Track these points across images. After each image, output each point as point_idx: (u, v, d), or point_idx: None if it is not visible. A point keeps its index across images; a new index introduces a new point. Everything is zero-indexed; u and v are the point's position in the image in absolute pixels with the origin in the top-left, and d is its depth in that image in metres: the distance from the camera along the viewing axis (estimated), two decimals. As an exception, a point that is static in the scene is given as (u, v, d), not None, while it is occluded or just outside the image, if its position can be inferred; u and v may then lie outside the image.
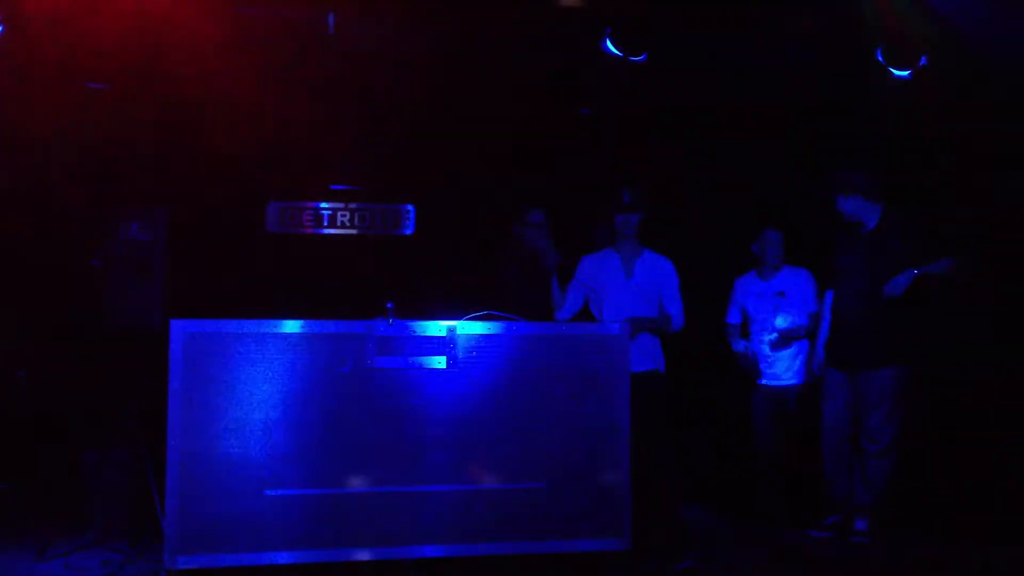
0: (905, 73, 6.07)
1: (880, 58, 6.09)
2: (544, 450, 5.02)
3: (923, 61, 6.01)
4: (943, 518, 5.78)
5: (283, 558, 4.76)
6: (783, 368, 6.37)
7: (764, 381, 6.39)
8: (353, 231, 7.77)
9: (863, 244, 5.89)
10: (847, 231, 5.99)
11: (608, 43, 6.16)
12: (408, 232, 7.84)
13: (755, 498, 6.39)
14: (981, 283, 5.94)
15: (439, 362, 4.99)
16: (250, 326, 4.85)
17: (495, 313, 5.20)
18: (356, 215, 7.80)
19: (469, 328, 5.05)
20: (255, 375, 4.82)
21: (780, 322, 6.26)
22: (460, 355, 5.00)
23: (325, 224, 7.74)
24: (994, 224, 6.00)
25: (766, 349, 6.36)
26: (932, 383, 6.06)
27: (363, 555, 4.85)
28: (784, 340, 6.27)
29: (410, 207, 7.83)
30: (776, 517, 6.14)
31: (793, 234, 6.45)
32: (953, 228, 5.94)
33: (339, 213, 7.78)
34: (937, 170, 6.23)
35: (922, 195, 6.15)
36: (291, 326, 4.88)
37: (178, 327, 4.76)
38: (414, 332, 5.00)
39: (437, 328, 5.01)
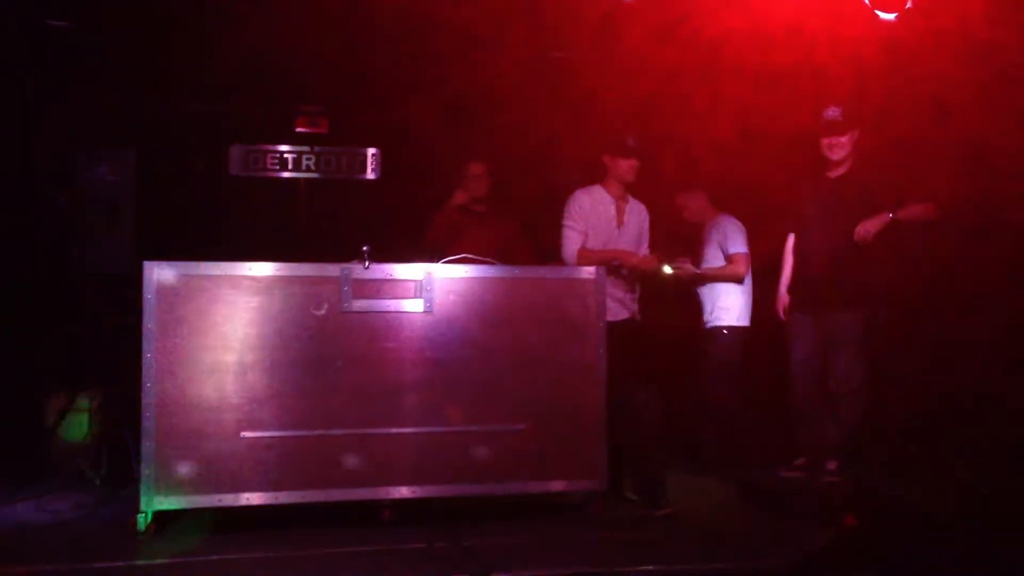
0: (891, 16, 6.04)
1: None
2: (521, 393, 5.05)
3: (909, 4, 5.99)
4: (910, 457, 5.90)
5: (259, 499, 4.76)
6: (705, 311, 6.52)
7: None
8: (317, 175, 7.70)
9: (831, 188, 5.91)
10: (812, 176, 6.01)
11: None
12: (372, 176, 7.78)
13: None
14: (949, 228, 6.01)
15: (416, 305, 4.97)
16: (223, 268, 4.81)
17: (471, 257, 5.19)
18: (320, 159, 7.72)
19: (446, 272, 5.04)
20: (230, 317, 4.78)
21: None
22: (437, 299, 4.99)
23: (289, 167, 7.66)
24: (965, 173, 6.06)
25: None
26: (898, 325, 6.14)
27: (340, 496, 4.86)
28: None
29: (374, 151, 7.76)
30: (720, 462, 6.30)
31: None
32: (922, 176, 5.98)
33: (303, 156, 7.70)
34: (911, 116, 6.26)
35: (895, 142, 6.18)
36: (266, 268, 4.84)
37: (152, 269, 4.70)
38: (391, 276, 4.98)
39: (414, 272, 5.00)
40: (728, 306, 6.44)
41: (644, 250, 5.76)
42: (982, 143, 5.98)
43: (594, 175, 5.73)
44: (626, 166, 5.58)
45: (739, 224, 6.52)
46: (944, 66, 6.05)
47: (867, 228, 5.63)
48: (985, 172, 6.02)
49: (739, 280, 6.40)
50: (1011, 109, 5.90)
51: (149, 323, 4.67)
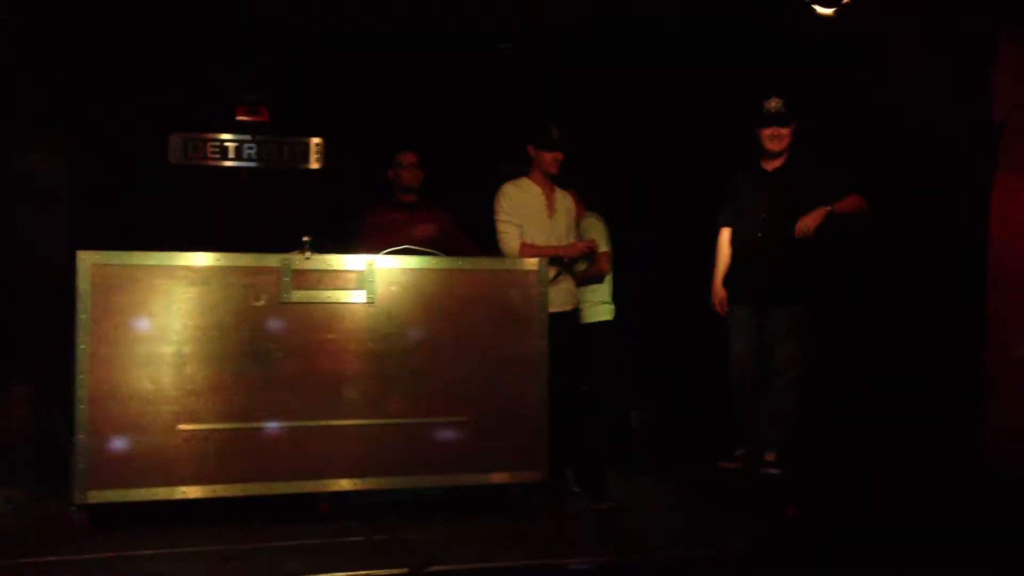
0: (829, 10, 6.09)
1: None
2: (463, 385, 5.03)
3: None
4: (848, 450, 5.97)
5: (196, 492, 4.70)
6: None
7: None
8: (259, 164, 7.59)
9: (768, 181, 5.95)
10: (747, 168, 6.04)
11: None
12: (315, 166, 7.69)
13: None
14: (885, 222, 6.09)
15: (357, 297, 4.93)
16: (159, 258, 4.74)
17: (413, 248, 5.16)
18: (262, 148, 7.62)
19: (388, 263, 5.00)
20: (167, 308, 4.71)
21: None
22: (379, 290, 4.95)
23: (230, 156, 7.55)
24: (903, 166, 6.14)
25: None
26: (836, 319, 6.21)
27: (278, 489, 4.81)
28: None
29: (318, 140, 7.68)
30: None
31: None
32: (858, 170, 6.05)
33: (244, 145, 7.59)
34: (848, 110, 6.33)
35: (832, 136, 6.24)
36: (203, 259, 4.77)
37: (85, 259, 4.61)
38: (332, 266, 4.93)
39: (356, 262, 4.95)
40: (607, 300, 6.34)
41: (573, 239, 5.75)
42: (915, 135, 6.07)
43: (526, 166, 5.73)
44: (550, 158, 5.54)
45: (603, 223, 6.43)
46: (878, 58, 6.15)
47: (807, 223, 5.67)
48: (919, 163, 6.11)
49: (602, 278, 6.23)
50: (944, 100, 6.01)
51: (82, 314, 4.58)
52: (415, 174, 6.12)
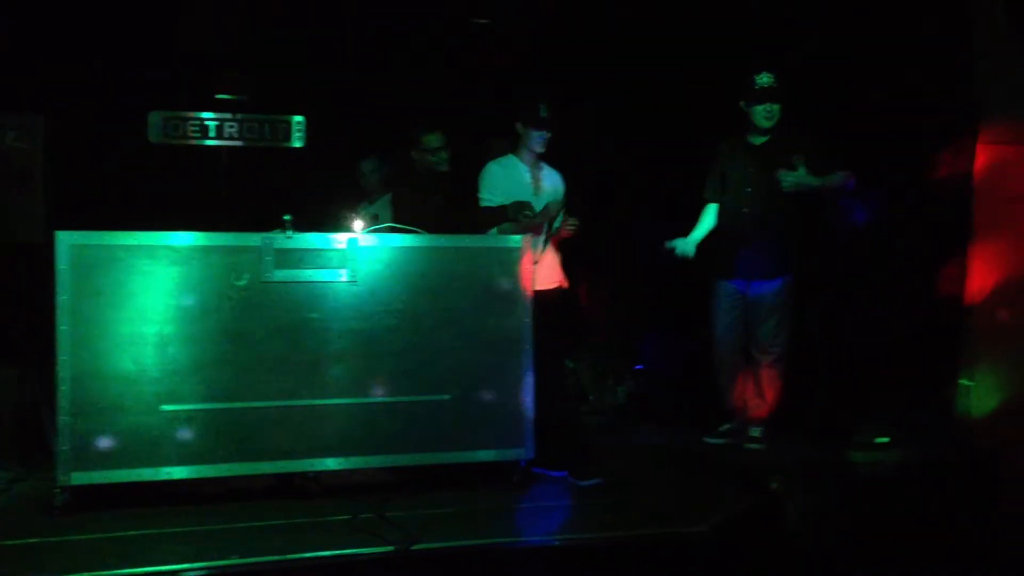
0: None
1: None
2: (447, 362, 5.01)
3: None
4: (832, 423, 5.99)
5: (180, 473, 4.68)
6: None
7: None
8: (240, 143, 7.52)
9: (755, 155, 5.93)
10: (734, 143, 6.03)
11: None
12: (297, 144, 7.63)
13: None
14: (867, 196, 6.09)
15: (340, 275, 4.90)
16: (141, 238, 4.69)
17: (396, 226, 5.12)
18: (244, 126, 7.55)
19: (371, 241, 4.97)
20: (148, 289, 4.66)
21: None
22: (361, 268, 4.92)
23: (211, 135, 7.47)
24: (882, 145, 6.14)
25: None
26: (817, 293, 6.22)
27: (263, 469, 4.80)
28: None
29: (300, 118, 7.61)
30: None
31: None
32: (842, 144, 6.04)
33: (225, 124, 7.51)
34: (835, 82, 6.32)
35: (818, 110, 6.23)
36: (184, 238, 4.73)
37: (64, 239, 4.56)
38: (314, 245, 4.89)
39: (338, 241, 4.92)
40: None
41: (562, 215, 5.73)
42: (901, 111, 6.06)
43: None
44: (537, 136, 5.52)
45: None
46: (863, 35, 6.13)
47: (789, 181, 5.65)
48: (904, 139, 6.10)
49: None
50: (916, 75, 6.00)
51: (63, 295, 4.54)
52: (440, 158, 6.04)
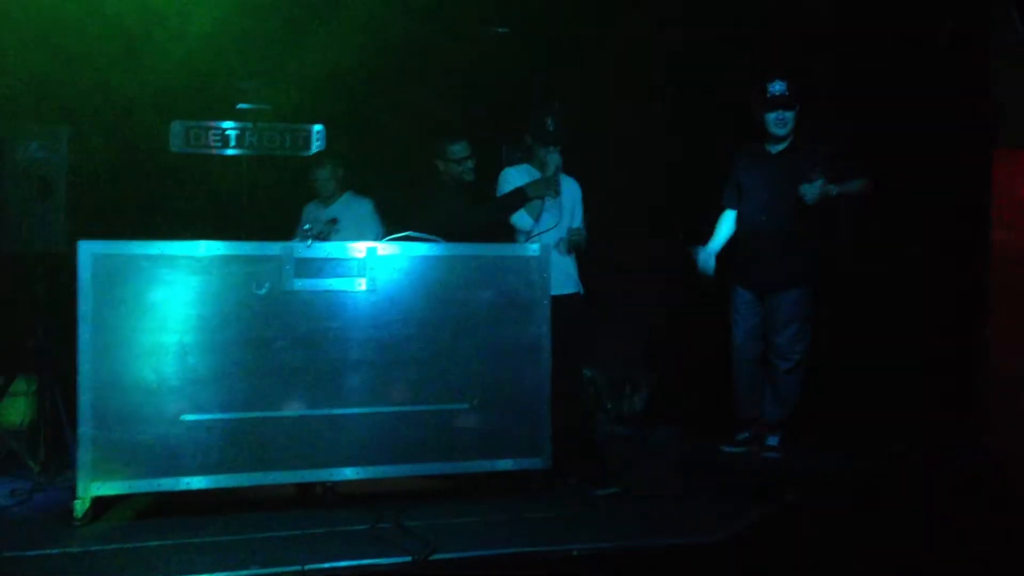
0: None
1: None
2: (465, 371, 5.01)
3: None
4: (851, 432, 5.98)
5: (200, 483, 4.69)
6: None
7: None
8: (260, 152, 7.57)
9: (772, 164, 5.93)
10: (750, 151, 6.03)
11: None
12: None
13: None
14: (882, 205, 6.08)
15: (359, 284, 4.92)
16: (162, 247, 4.70)
17: (415, 234, 5.15)
18: (264, 135, 7.60)
19: (389, 250, 4.99)
20: (169, 298, 4.69)
21: None
22: (380, 277, 4.95)
23: (232, 144, 7.54)
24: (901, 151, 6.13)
25: None
26: (835, 301, 6.21)
27: (282, 479, 4.82)
28: None
29: (319, 127, 7.66)
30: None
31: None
32: (859, 151, 6.03)
33: (246, 133, 7.57)
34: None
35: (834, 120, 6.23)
36: (205, 247, 4.75)
37: (87, 249, 4.60)
38: (333, 254, 4.92)
39: (357, 250, 4.94)
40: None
41: (578, 223, 5.77)
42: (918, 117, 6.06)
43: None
44: (544, 153, 5.59)
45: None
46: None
47: (811, 191, 5.64)
48: (921, 146, 6.09)
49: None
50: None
51: (84, 305, 4.57)
52: (466, 167, 5.92)
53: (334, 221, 6.27)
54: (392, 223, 5.91)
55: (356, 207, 6.46)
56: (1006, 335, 5.96)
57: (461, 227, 5.32)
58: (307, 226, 5.30)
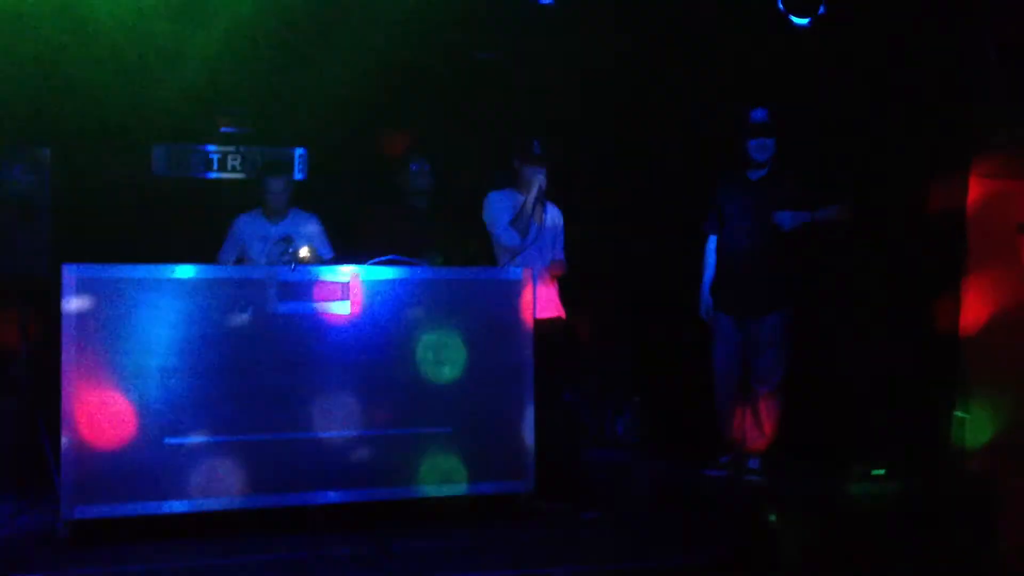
0: (805, 21, 6.14)
1: (780, 6, 6.14)
2: (448, 395, 5.03)
3: (822, 9, 6.09)
4: (832, 455, 6.03)
5: (183, 507, 4.69)
6: None
7: None
8: (243, 175, 7.58)
9: (752, 190, 6.00)
10: (731, 177, 6.10)
11: None
12: (300, 177, 7.69)
13: None
14: (859, 230, 6.15)
15: (342, 307, 4.94)
16: (146, 271, 4.72)
17: (398, 258, 5.17)
18: (246, 159, 7.61)
19: (372, 273, 5.01)
20: (152, 321, 4.70)
21: None
22: (364, 300, 4.97)
23: (215, 167, 7.54)
24: (877, 178, 6.21)
25: None
26: (814, 325, 6.27)
27: (265, 502, 4.81)
28: None
29: (301, 150, 7.68)
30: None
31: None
32: (837, 178, 6.11)
33: (228, 156, 7.58)
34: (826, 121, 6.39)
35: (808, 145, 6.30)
36: (189, 271, 4.77)
37: (71, 272, 4.60)
38: (316, 277, 4.94)
39: (340, 273, 4.96)
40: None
41: (559, 251, 5.83)
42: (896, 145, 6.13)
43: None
44: (532, 171, 5.61)
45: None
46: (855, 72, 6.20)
47: (783, 218, 5.72)
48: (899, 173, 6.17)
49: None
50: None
51: (68, 327, 4.58)
52: (426, 178, 6.10)
53: (288, 239, 5.98)
54: (341, 241, 5.95)
55: (305, 224, 6.24)
56: (983, 360, 6.02)
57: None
58: (291, 248, 5.28)
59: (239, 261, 6.02)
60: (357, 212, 6.27)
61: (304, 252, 5.22)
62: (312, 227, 6.24)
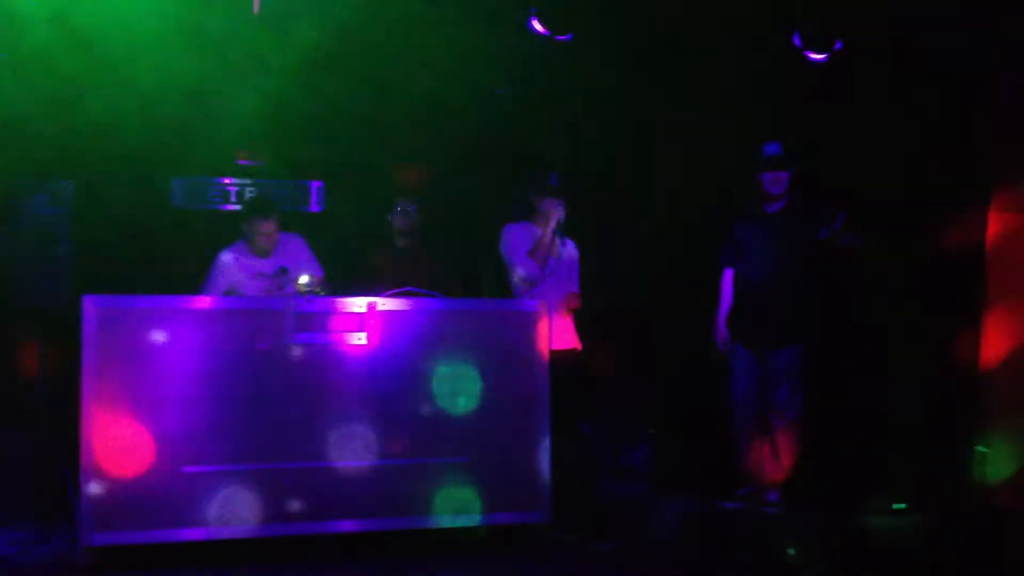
0: (821, 56, 6.19)
1: (797, 42, 6.20)
2: (464, 425, 5.04)
3: (839, 45, 6.14)
4: (849, 489, 6.00)
5: (201, 534, 4.70)
6: None
7: None
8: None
9: (768, 223, 6.03)
10: (747, 210, 6.13)
11: (535, 21, 6.20)
12: (316, 209, 7.75)
13: None
14: (878, 263, 6.17)
15: (359, 338, 4.97)
16: (166, 302, 4.76)
17: (414, 290, 5.20)
18: (264, 191, 7.67)
19: (389, 304, 5.04)
20: (172, 352, 4.73)
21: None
22: (380, 331, 4.99)
23: (232, 200, 7.61)
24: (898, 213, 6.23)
25: None
26: (834, 358, 6.26)
27: (282, 531, 4.82)
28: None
29: (318, 184, 7.74)
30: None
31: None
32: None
33: (246, 189, 7.65)
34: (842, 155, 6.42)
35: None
36: (208, 302, 4.82)
37: (91, 303, 4.64)
38: (334, 308, 4.97)
39: (357, 304, 4.99)
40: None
41: (574, 284, 5.86)
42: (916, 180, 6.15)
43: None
44: (549, 204, 5.65)
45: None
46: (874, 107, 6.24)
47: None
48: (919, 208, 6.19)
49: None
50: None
51: (89, 357, 4.61)
52: (409, 218, 6.22)
53: (284, 271, 5.80)
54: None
55: (296, 251, 6.05)
56: (1003, 394, 6.01)
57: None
58: (304, 279, 5.28)
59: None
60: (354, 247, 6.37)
61: (304, 280, 5.25)
62: (302, 253, 6.09)
